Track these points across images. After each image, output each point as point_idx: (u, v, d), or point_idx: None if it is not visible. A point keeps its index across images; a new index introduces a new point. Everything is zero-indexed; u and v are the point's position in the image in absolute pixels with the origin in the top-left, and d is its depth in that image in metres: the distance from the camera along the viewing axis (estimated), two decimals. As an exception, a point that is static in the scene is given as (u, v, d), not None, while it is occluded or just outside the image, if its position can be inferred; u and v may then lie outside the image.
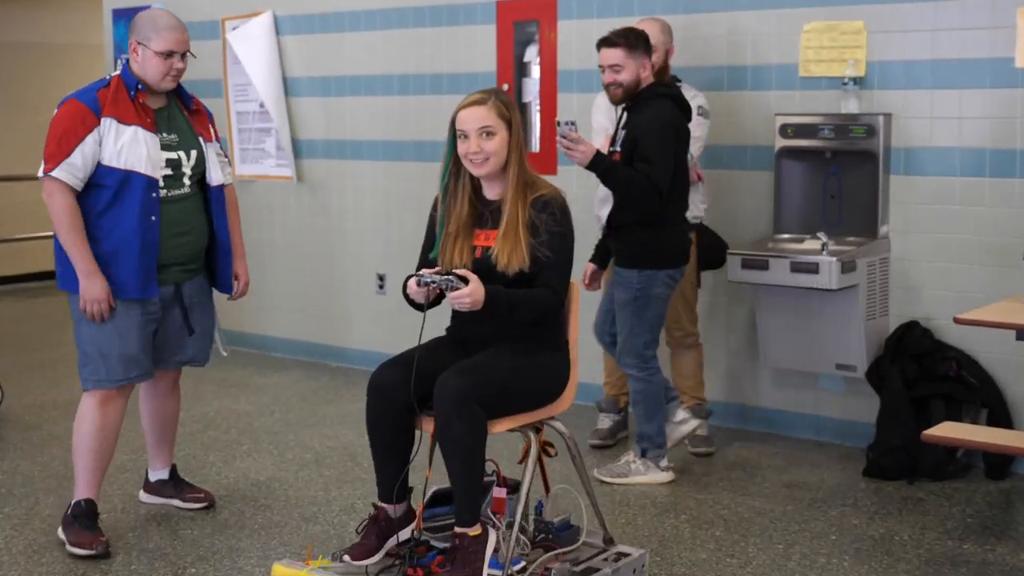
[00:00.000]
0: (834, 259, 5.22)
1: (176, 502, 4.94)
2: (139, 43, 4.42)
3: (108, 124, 4.32)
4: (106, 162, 4.32)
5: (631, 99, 5.15)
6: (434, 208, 4.07)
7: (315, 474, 5.38)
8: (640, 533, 4.63)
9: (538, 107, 6.68)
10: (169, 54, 4.41)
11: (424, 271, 3.75)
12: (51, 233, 4.50)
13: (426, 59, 7.07)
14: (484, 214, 3.95)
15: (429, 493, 3.88)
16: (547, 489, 4.06)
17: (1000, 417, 5.20)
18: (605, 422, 5.86)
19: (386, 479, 3.89)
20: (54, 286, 4.70)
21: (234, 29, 7.94)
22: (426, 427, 3.82)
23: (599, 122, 5.61)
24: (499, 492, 3.86)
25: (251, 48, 7.86)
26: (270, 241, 7.96)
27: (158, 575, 4.25)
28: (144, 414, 4.92)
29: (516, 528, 3.77)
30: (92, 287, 4.33)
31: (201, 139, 4.61)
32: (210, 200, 4.65)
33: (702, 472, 5.40)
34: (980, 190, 5.33)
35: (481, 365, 3.77)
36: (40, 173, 4.34)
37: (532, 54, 6.68)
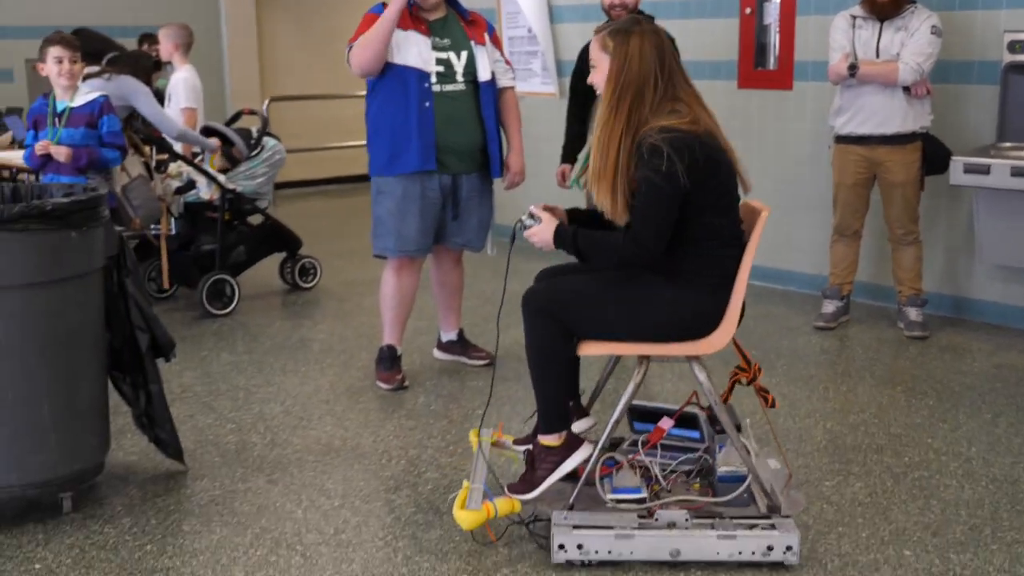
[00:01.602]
0: (1051, 164, 5.15)
1: (463, 359, 5.37)
2: None
3: None
4: (389, 59, 4.72)
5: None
6: None
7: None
8: (860, 400, 4.77)
9: (778, 29, 6.71)
10: None
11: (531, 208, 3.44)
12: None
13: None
14: None
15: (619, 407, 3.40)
16: (738, 431, 3.46)
17: None
18: (829, 307, 5.96)
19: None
20: (353, 188, 5.12)
21: (508, -37, 8.22)
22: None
23: (837, 41, 5.62)
24: (664, 423, 3.52)
25: (521, -21, 8.13)
26: (536, 150, 8.26)
27: (452, 414, 4.66)
28: (434, 284, 5.37)
29: (598, 448, 3.37)
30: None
31: (473, 43, 4.85)
32: (479, 94, 4.88)
33: (916, 352, 5.46)
34: None
35: (573, 282, 3.41)
36: (346, 55, 4.78)
37: (774, -20, 6.70)
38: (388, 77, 4.77)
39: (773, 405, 3.51)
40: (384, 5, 4.76)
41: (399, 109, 4.77)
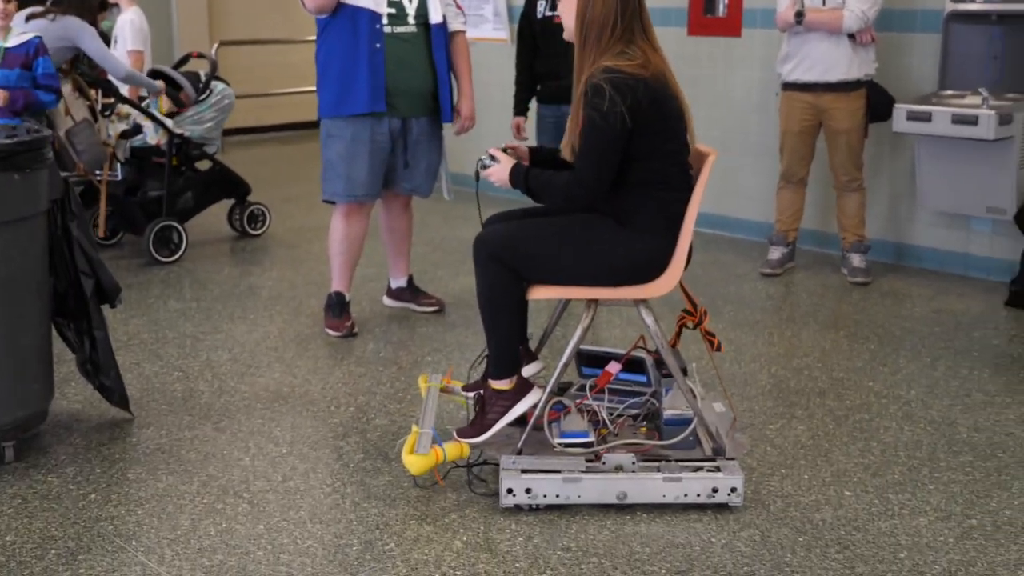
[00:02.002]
0: (993, 112, 5.14)
1: (413, 306, 5.31)
2: None
3: None
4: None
5: None
6: None
7: None
8: (804, 344, 4.79)
9: (726, -25, 6.65)
10: None
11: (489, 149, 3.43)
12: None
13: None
14: None
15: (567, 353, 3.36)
16: (684, 375, 3.40)
17: None
18: (775, 254, 5.96)
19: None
20: (303, 134, 5.02)
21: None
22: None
23: None
24: (612, 366, 3.50)
25: (472, -75, 7.99)
26: (487, 96, 8.16)
27: (401, 360, 4.61)
28: (383, 230, 5.29)
29: (546, 393, 3.35)
30: None
31: None
32: (430, 36, 4.79)
33: (859, 298, 5.49)
34: None
35: (523, 227, 3.36)
36: None
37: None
38: (339, 17, 4.67)
39: (719, 349, 3.49)
40: None
41: (349, 50, 4.67)
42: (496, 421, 3.37)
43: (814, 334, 4.93)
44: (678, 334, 3.55)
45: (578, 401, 3.53)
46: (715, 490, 3.21)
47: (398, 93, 4.74)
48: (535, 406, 3.37)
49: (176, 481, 3.47)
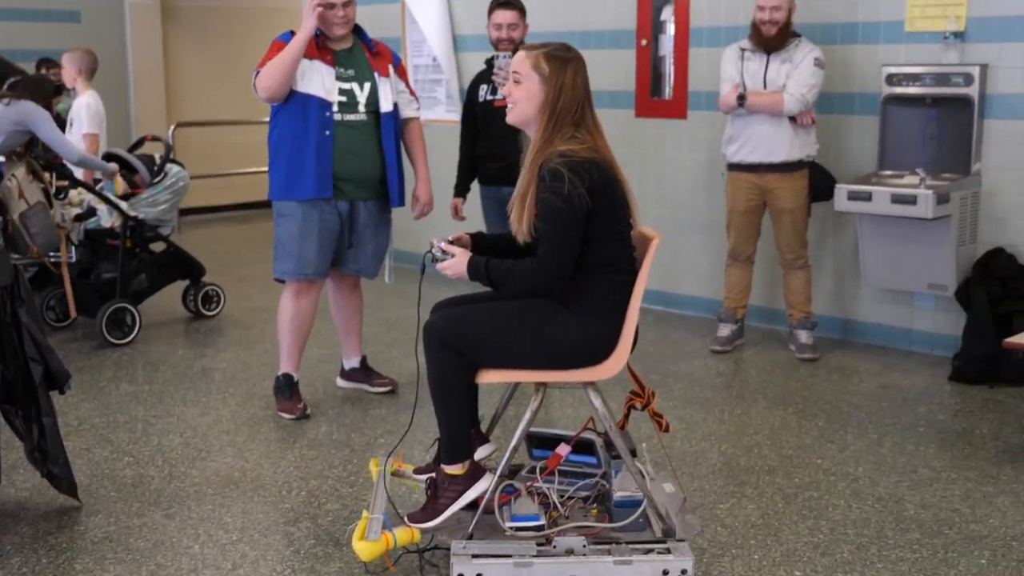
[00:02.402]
0: (931, 192, 5.24)
1: (366, 386, 5.26)
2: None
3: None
4: (293, 87, 4.66)
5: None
6: None
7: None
8: (753, 422, 4.79)
9: (672, 61, 6.75)
10: (331, 6, 4.65)
11: (434, 240, 3.36)
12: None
13: (577, 18, 7.19)
14: None
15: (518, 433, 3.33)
16: (633, 456, 3.39)
17: (1076, 332, 5.20)
18: (724, 331, 5.99)
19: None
20: (258, 214, 5.01)
21: (411, -6, 8.18)
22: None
23: (727, 72, 5.67)
24: (562, 448, 3.46)
25: (425, 10, 8.08)
26: (441, 176, 8.19)
27: (354, 443, 4.56)
28: (333, 310, 5.26)
29: (497, 476, 3.31)
30: (308, 18, 4.63)
31: (376, 74, 4.80)
32: (380, 125, 4.82)
33: (807, 374, 5.51)
34: (1065, 132, 5.29)
35: (471, 311, 3.35)
36: (252, 80, 4.69)
37: (668, 14, 6.74)
38: (291, 104, 4.71)
39: (667, 430, 3.47)
40: (292, 33, 4.69)
41: (299, 135, 4.70)
42: (448, 506, 3.31)
43: (763, 411, 4.93)
44: (627, 415, 3.52)
45: (528, 484, 3.47)
46: (666, 572, 3.16)
47: (347, 179, 4.77)
48: (486, 491, 3.32)
49: (123, 571, 3.39)
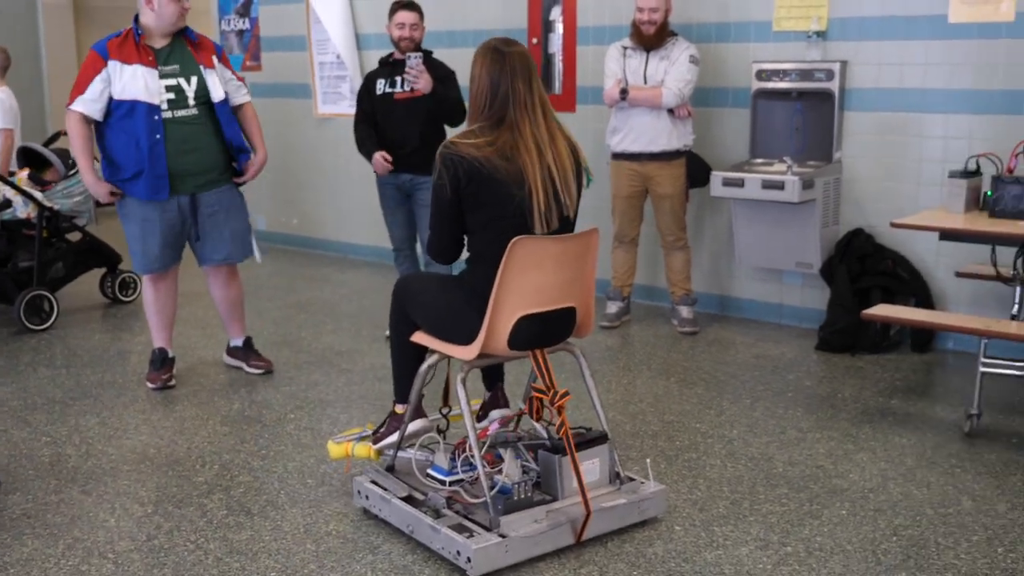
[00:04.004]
0: (797, 178, 5.36)
1: (243, 365, 5.17)
2: None
3: (114, 66, 4.50)
4: (116, 96, 4.51)
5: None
6: None
7: (386, 346, 5.50)
8: (639, 391, 4.86)
9: (561, 58, 6.79)
10: None
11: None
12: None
13: (471, 17, 7.18)
14: None
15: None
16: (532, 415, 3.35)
17: (925, 304, 5.36)
18: (612, 308, 6.06)
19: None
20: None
21: (316, -6, 8.08)
22: None
23: (610, 68, 5.73)
24: (492, 426, 3.50)
25: (329, 9, 7.98)
26: (346, 168, 8.15)
27: (265, 419, 4.50)
28: (214, 299, 5.19)
29: (400, 435, 3.50)
30: (97, 188, 4.67)
31: (202, 67, 4.65)
32: (216, 113, 4.69)
33: (688, 346, 5.61)
34: (915, 124, 5.44)
35: (424, 276, 3.61)
36: (67, 111, 4.58)
37: (556, 13, 6.78)
38: (117, 112, 4.55)
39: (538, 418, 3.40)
40: (108, 42, 4.53)
41: (130, 143, 4.56)
42: (385, 437, 3.59)
43: (648, 381, 5.01)
44: (538, 409, 3.34)
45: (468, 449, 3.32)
46: (458, 553, 3.08)
47: (185, 175, 4.66)
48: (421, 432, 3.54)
49: (42, 545, 3.31)
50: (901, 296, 5.38)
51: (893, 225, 4.60)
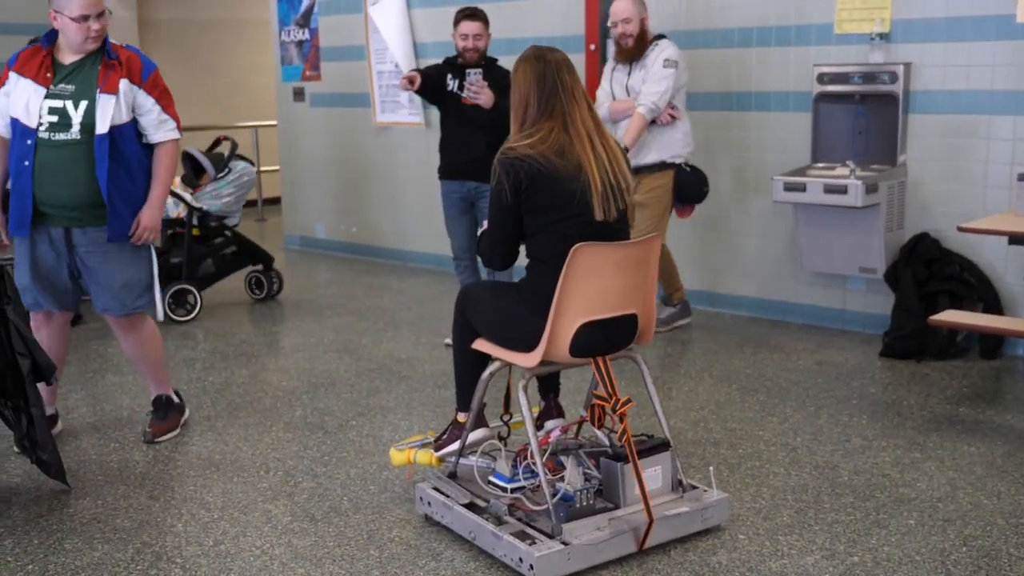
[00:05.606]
0: (860, 182, 5.31)
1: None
2: (56, 11, 3.96)
3: (14, 79, 4.02)
4: (8, 111, 4.07)
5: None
6: None
7: (445, 353, 5.58)
8: (700, 399, 4.83)
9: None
10: (84, 18, 3.95)
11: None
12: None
13: (530, 24, 7.20)
14: None
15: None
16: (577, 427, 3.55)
17: (993, 310, 5.27)
18: (664, 313, 6.02)
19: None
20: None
21: (374, 4, 8.15)
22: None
23: (603, 86, 5.77)
24: (553, 435, 3.46)
25: (387, 19, 8.06)
26: (404, 176, 8.21)
27: (327, 425, 4.55)
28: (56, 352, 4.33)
29: (460, 442, 3.52)
30: None
31: (100, 92, 3.98)
32: (94, 148, 3.99)
33: (750, 353, 5.57)
34: (983, 126, 5.35)
35: (485, 286, 3.56)
36: None
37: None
38: (10, 124, 4.09)
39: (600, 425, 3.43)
40: (23, 51, 4.06)
41: (10, 162, 4.08)
42: (447, 445, 3.60)
43: (709, 388, 4.98)
44: (600, 417, 3.39)
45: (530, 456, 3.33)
46: (520, 560, 3.09)
47: (54, 205, 4.02)
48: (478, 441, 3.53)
49: (111, 549, 3.37)
50: (968, 301, 5.29)
51: (960, 229, 4.53)
